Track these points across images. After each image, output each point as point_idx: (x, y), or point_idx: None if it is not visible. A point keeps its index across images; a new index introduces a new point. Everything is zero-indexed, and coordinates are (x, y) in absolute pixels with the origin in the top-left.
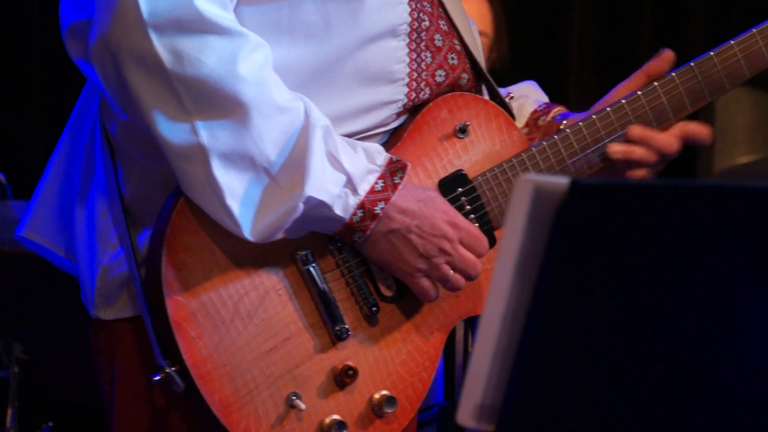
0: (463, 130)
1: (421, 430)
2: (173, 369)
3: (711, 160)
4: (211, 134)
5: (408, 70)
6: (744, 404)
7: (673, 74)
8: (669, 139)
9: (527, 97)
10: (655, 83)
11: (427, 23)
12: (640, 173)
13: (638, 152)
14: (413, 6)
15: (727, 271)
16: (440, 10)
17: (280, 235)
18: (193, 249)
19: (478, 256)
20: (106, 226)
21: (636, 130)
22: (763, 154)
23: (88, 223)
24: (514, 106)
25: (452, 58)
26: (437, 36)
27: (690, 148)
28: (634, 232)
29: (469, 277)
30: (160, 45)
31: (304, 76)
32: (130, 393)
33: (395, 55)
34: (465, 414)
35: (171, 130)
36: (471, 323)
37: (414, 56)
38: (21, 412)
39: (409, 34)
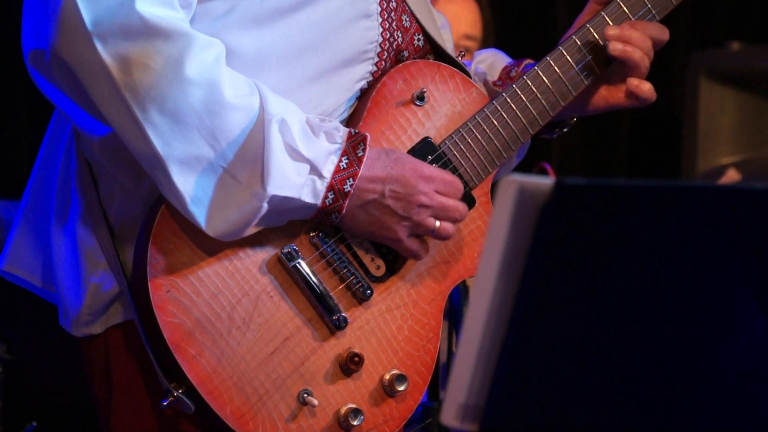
0: (420, 98)
1: (406, 429)
2: (180, 391)
3: (695, 161)
4: (164, 141)
5: (379, 9)
6: (728, 405)
7: (619, 1)
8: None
9: (496, 55)
10: (603, 13)
11: None
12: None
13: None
14: None
15: (712, 271)
16: None
17: (249, 232)
18: (176, 269)
19: (457, 198)
20: (91, 248)
21: (613, 29)
22: (747, 155)
23: (70, 247)
24: (485, 66)
25: (406, 20)
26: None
27: (674, 149)
28: (619, 233)
29: (455, 221)
30: (106, 54)
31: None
32: (129, 397)
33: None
34: (449, 414)
35: (130, 140)
36: (455, 323)
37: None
38: (4, 412)
39: None
